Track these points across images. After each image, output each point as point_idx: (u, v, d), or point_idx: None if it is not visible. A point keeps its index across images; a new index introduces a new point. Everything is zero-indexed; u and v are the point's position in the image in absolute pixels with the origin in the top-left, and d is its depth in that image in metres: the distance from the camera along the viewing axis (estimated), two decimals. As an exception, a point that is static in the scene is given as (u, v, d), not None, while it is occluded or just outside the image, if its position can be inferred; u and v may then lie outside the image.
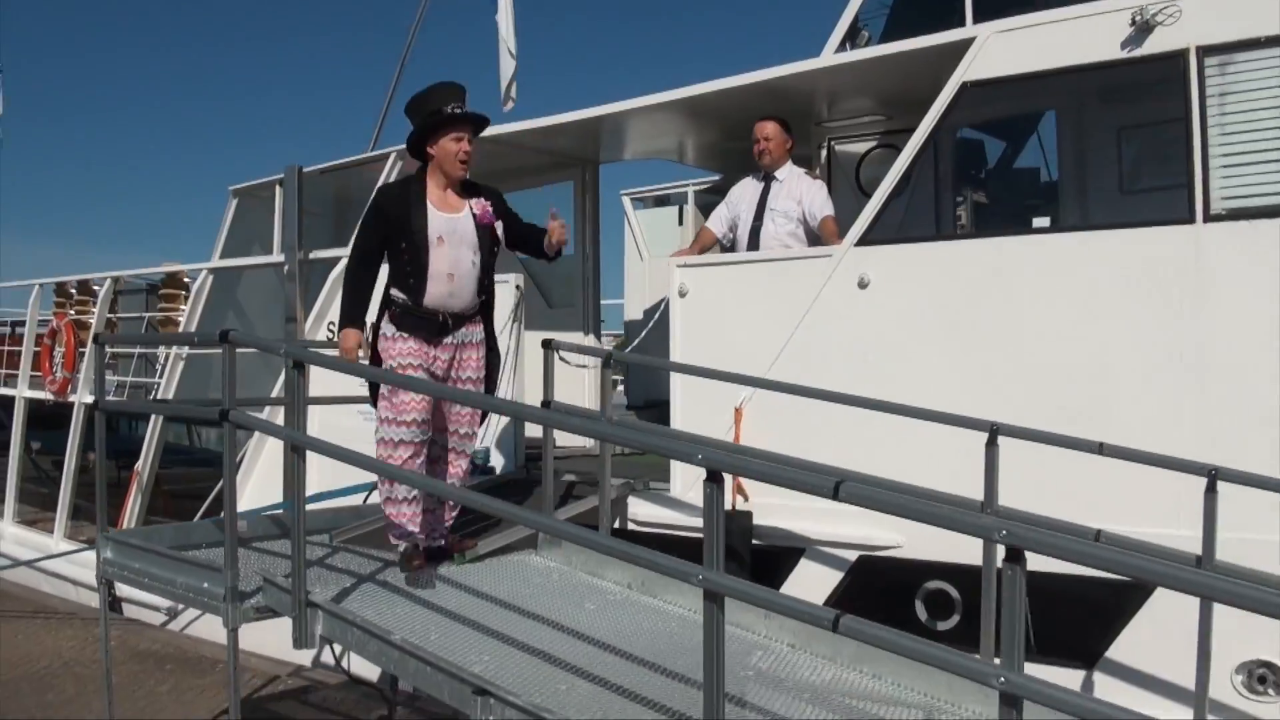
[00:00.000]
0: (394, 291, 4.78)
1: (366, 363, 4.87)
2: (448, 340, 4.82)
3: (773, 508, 5.59)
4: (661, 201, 9.77)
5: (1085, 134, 5.62)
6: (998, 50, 5.38)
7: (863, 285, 5.54)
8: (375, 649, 4.10)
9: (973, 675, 2.65)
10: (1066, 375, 5.09)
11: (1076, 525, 4.46)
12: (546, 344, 5.76)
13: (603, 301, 8.70)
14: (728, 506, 5.52)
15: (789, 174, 6.32)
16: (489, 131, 7.72)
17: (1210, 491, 4.23)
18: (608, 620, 4.50)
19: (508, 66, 7.57)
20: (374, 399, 4.88)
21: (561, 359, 5.88)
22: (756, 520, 5.68)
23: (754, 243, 6.27)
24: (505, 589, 4.84)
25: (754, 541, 5.67)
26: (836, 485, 2.74)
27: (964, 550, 4.49)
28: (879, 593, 5.40)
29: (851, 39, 6.91)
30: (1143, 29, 5.04)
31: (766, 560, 5.62)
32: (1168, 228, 4.97)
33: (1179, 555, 4.27)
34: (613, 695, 3.69)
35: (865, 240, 5.59)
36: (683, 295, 6.08)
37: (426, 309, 4.73)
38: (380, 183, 4.18)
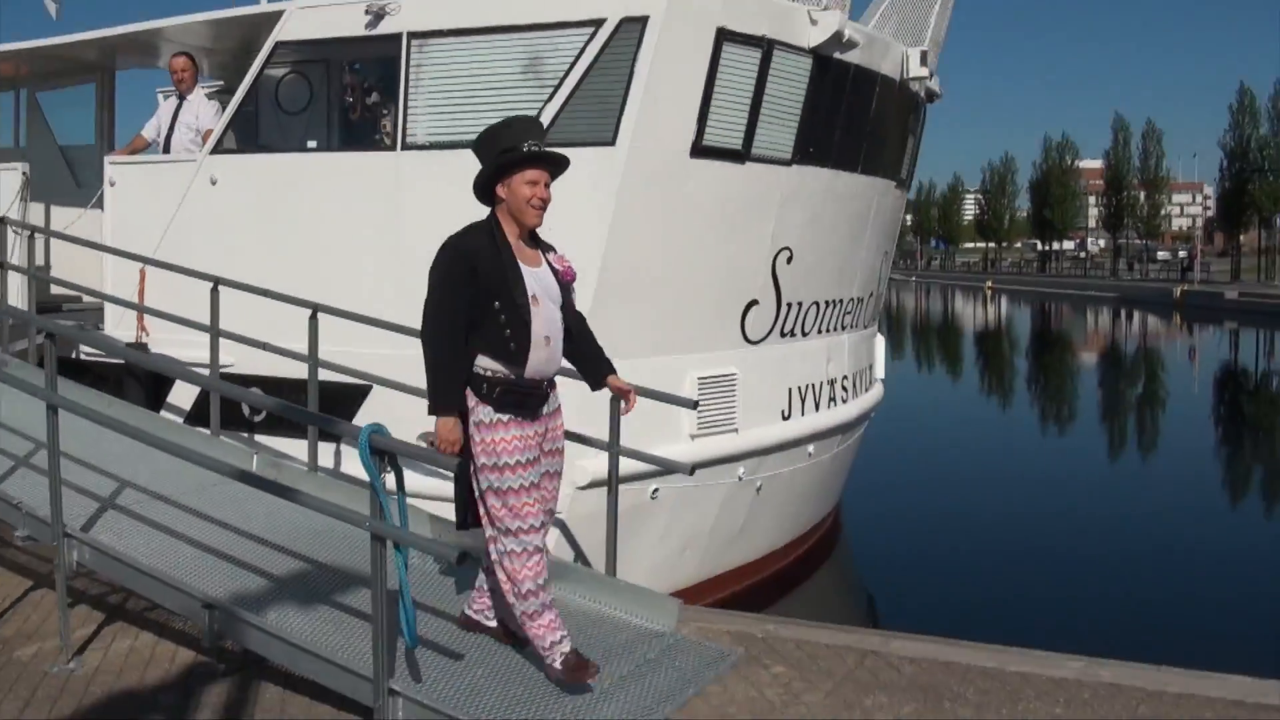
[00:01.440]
0: (488, 365, 4.02)
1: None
2: (544, 412, 4.19)
3: (166, 341, 7.99)
4: (186, 98, 11.80)
5: (359, 84, 8.00)
6: (298, 21, 7.68)
7: (214, 183, 7.90)
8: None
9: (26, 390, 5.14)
10: (316, 249, 7.61)
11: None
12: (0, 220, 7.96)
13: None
14: (133, 340, 8.02)
15: (195, 95, 8.54)
16: (21, 44, 9.65)
17: (312, 320, 6.78)
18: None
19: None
20: (465, 489, 4.15)
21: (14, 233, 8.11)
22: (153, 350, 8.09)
23: (168, 147, 8.50)
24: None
25: (150, 366, 8.07)
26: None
27: (273, 366, 7.10)
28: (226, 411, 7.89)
29: None
30: (378, 16, 7.41)
31: (160, 379, 8.06)
32: (382, 152, 7.49)
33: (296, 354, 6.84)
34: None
35: (216, 150, 7.94)
36: (112, 185, 8.34)
37: (529, 381, 4.07)
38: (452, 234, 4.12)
